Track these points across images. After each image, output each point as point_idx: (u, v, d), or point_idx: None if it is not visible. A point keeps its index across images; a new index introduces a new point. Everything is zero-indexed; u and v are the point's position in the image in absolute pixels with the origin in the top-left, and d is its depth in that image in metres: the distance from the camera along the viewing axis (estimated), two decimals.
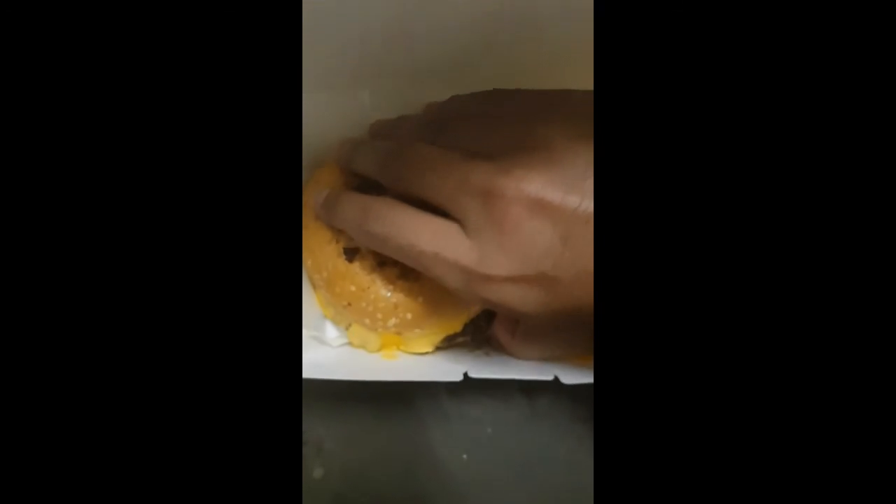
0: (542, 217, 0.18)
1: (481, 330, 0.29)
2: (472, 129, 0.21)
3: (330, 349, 0.28)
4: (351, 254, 0.25)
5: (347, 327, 0.28)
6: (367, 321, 0.26)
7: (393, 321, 0.25)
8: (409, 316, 0.25)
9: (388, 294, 0.25)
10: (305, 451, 0.30)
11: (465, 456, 0.31)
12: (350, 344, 0.29)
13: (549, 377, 0.27)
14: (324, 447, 0.30)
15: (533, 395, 0.32)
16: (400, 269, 0.24)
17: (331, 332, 0.29)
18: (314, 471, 0.30)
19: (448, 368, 0.27)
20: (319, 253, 0.25)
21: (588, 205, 0.18)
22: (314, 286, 0.28)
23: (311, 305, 0.29)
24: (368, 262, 0.25)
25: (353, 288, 0.25)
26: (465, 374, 0.26)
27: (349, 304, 0.25)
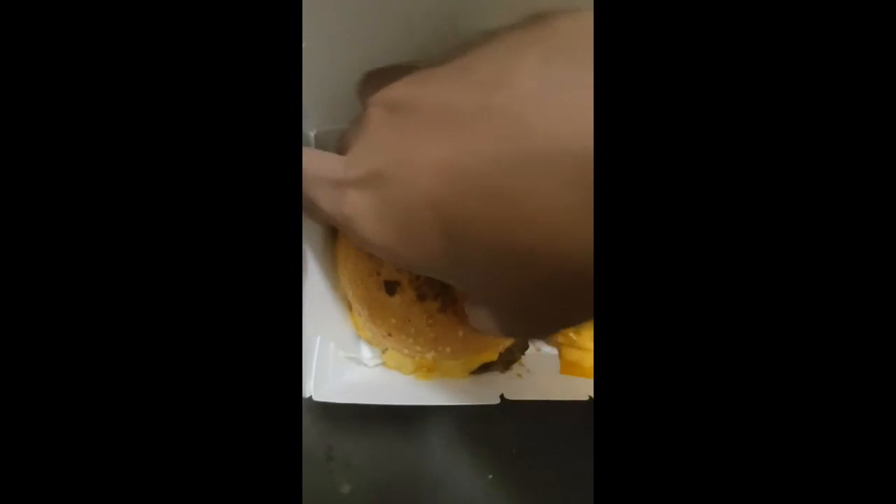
0: (393, 116, 0.17)
1: (513, 355, 0.29)
2: None
3: (366, 369, 0.29)
4: (391, 287, 0.25)
5: (384, 351, 0.28)
6: (406, 351, 0.26)
7: (432, 354, 0.25)
8: (448, 349, 0.25)
9: (428, 328, 0.25)
10: (333, 466, 0.31)
11: (490, 475, 0.31)
12: (384, 365, 0.29)
13: (584, 398, 0.28)
14: (352, 463, 0.31)
15: (559, 416, 0.32)
16: (440, 302, 0.25)
17: (366, 352, 0.30)
18: (342, 486, 0.30)
19: (484, 391, 0.27)
20: (361, 285, 0.25)
21: (449, 101, 0.16)
22: (356, 314, 0.28)
23: (346, 326, 0.30)
24: (409, 296, 0.25)
25: (393, 321, 0.25)
26: (502, 397, 0.27)
27: (389, 335, 0.25)
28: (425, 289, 0.25)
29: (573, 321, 0.18)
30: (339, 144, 0.23)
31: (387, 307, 0.25)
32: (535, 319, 0.17)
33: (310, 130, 0.28)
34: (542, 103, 0.14)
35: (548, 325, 0.19)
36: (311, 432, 0.31)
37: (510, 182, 0.14)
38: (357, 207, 0.18)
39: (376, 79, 0.22)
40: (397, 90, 0.18)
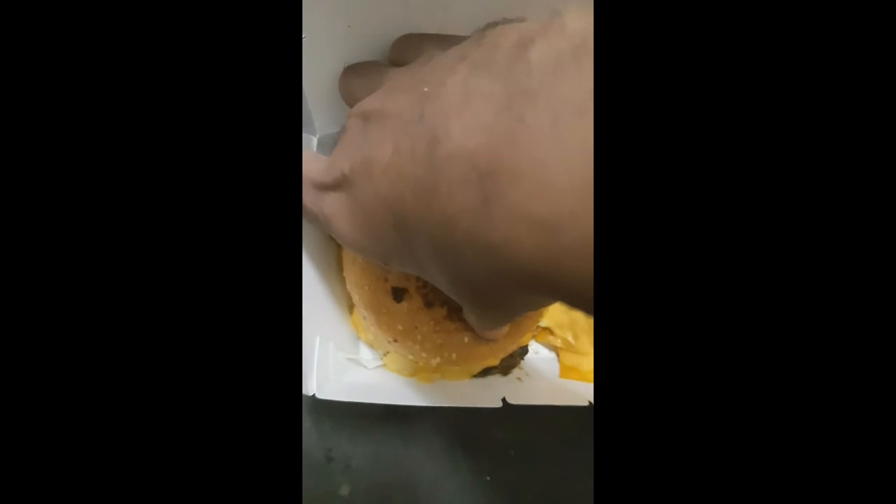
0: (366, 125, 0.19)
1: (514, 360, 0.29)
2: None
3: (365, 371, 0.29)
4: (399, 293, 0.25)
5: (385, 354, 0.29)
6: (411, 357, 0.26)
7: (437, 360, 0.25)
8: (453, 355, 0.25)
9: (435, 334, 0.25)
10: (333, 467, 0.31)
11: (488, 478, 0.31)
12: (384, 367, 0.29)
13: (584, 403, 0.28)
14: (351, 465, 0.31)
15: (557, 419, 0.32)
16: (447, 309, 0.25)
17: (365, 353, 0.30)
18: (341, 488, 0.31)
19: (486, 395, 0.27)
20: (368, 290, 0.25)
21: (407, 113, 0.17)
22: (360, 317, 0.28)
23: (345, 327, 0.30)
24: (416, 303, 0.25)
25: (400, 327, 0.25)
26: (504, 400, 0.27)
27: (395, 341, 0.25)
28: (432, 296, 0.25)
29: (525, 308, 0.19)
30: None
31: (394, 313, 0.25)
32: (489, 308, 0.19)
33: (313, 135, 0.28)
34: (459, 112, 0.15)
35: (502, 315, 0.20)
36: (311, 434, 0.31)
37: (433, 182, 0.15)
38: (333, 208, 0.19)
39: (351, 74, 0.24)
40: (371, 102, 0.19)
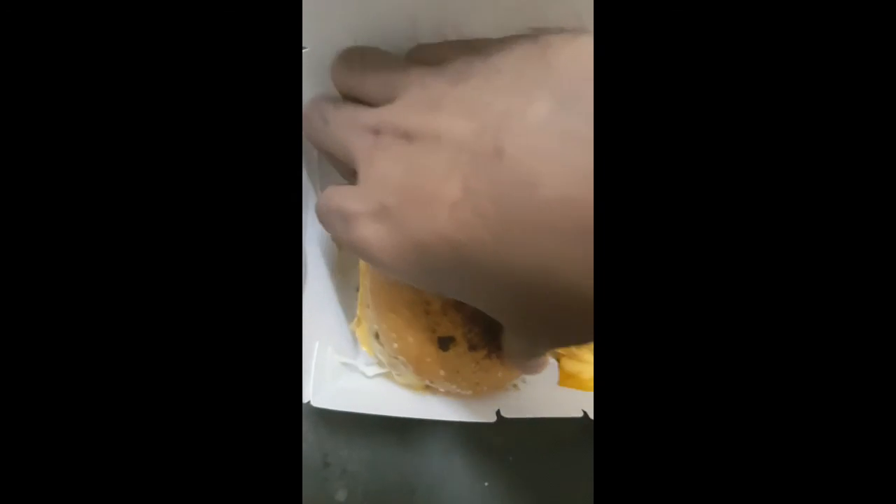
0: (410, 145, 0.17)
1: None
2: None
3: (362, 377, 0.29)
4: (446, 343, 0.24)
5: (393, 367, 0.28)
6: (442, 391, 0.25)
7: (469, 393, 0.25)
8: (485, 388, 0.25)
9: (474, 374, 0.24)
10: (329, 472, 0.30)
11: (486, 483, 0.31)
12: (386, 376, 0.29)
13: (579, 414, 0.28)
14: (348, 470, 0.31)
15: (556, 425, 0.32)
16: (487, 350, 0.24)
17: (364, 360, 0.29)
18: (337, 492, 0.30)
19: (482, 408, 0.27)
20: (413, 342, 0.24)
21: (452, 135, 0.16)
22: (393, 358, 0.27)
23: (346, 332, 0.29)
24: (462, 348, 0.24)
25: (442, 373, 0.24)
26: (499, 413, 0.27)
27: (431, 382, 0.25)
28: (477, 339, 0.24)
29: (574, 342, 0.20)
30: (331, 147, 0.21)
31: (437, 360, 0.24)
32: (539, 340, 0.19)
33: None
34: (555, 155, 0.14)
35: (551, 344, 0.20)
36: (308, 438, 0.30)
37: (527, 228, 0.15)
38: (372, 239, 0.18)
39: (353, 60, 0.21)
40: (411, 118, 0.17)
